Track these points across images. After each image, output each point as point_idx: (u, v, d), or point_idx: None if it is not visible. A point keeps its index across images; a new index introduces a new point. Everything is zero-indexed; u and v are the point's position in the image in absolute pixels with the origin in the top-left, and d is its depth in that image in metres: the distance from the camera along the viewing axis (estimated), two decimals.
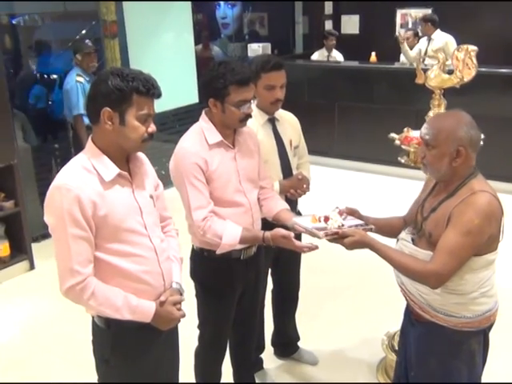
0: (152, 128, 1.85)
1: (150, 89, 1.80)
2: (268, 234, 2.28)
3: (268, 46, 7.76)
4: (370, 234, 2.15)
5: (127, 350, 1.95)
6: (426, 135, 2.02)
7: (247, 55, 7.59)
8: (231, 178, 2.38)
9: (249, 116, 2.34)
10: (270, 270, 3.08)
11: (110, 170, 1.83)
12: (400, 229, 2.29)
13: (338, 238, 2.08)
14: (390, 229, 2.33)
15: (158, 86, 1.84)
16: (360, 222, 2.21)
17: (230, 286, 2.49)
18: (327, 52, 7.69)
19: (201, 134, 2.33)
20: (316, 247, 2.17)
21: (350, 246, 2.06)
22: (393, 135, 3.13)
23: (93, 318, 1.98)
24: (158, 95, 1.85)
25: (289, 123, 2.89)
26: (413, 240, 2.16)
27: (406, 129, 3.12)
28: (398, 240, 2.24)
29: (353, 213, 2.28)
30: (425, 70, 3.04)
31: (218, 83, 2.25)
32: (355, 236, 2.06)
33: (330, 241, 2.09)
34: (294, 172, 2.88)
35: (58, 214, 1.74)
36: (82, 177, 1.78)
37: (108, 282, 1.84)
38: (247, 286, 2.60)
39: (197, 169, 2.29)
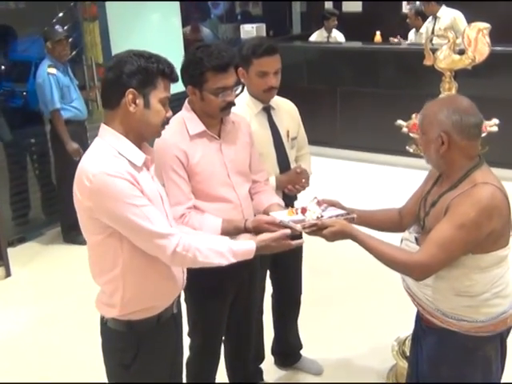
0: (170, 112, 1.94)
1: (173, 71, 1.90)
2: (250, 221, 2.28)
3: (262, 26, 7.76)
4: (359, 227, 2.18)
5: (154, 350, 2.06)
6: (418, 121, 2.09)
7: (240, 37, 7.59)
8: (217, 171, 2.39)
9: (231, 104, 2.34)
10: (268, 272, 3.10)
11: (138, 154, 1.91)
12: (393, 222, 2.32)
13: (316, 229, 2.10)
14: (377, 222, 2.35)
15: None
16: (341, 211, 2.23)
17: (221, 286, 2.50)
18: (327, 33, 7.69)
19: (182, 124, 2.34)
20: (300, 241, 2.18)
21: (331, 238, 2.08)
22: (400, 122, 3.16)
23: (106, 323, 2.06)
24: (178, 79, 1.96)
25: (286, 112, 2.89)
26: (417, 239, 2.17)
27: (414, 115, 3.12)
28: (402, 241, 2.25)
29: (333, 204, 2.29)
30: (434, 51, 3.05)
31: (195, 69, 2.26)
32: (335, 226, 2.07)
33: (308, 234, 2.11)
34: (293, 165, 2.89)
35: (118, 198, 1.84)
36: (116, 163, 1.86)
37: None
38: (240, 287, 2.60)
39: (176, 161, 2.30)
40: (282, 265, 3.07)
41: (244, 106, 2.70)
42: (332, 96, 7.11)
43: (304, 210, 2.17)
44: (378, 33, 8.01)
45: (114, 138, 1.90)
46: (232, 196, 2.43)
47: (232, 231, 2.31)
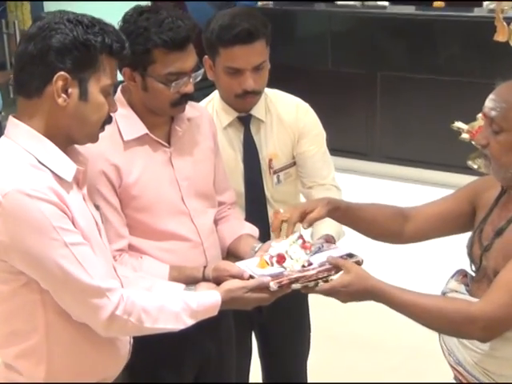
0: (115, 106, 1.96)
1: (124, 48, 1.90)
2: (210, 269, 2.24)
3: None
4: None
5: None
6: (492, 111, 2.03)
7: None
8: (165, 193, 2.33)
9: (188, 97, 2.30)
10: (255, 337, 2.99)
11: (67, 165, 1.89)
12: (394, 222, 2.31)
13: (311, 282, 2.04)
14: (370, 219, 2.31)
15: None
16: (341, 251, 2.17)
17: (176, 357, 2.42)
18: None
19: (112, 126, 2.18)
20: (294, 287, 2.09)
21: (345, 298, 2.00)
22: (459, 125, 3.23)
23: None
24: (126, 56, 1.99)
25: (283, 124, 2.75)
26: (468, 289, 2.16)
27: (479, 115, 3.13)
28: (443, 294, 2.23)
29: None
30: (509, 22, 3.15)
31: (137, 44, 2.16)
32: (349, 276, 2.00)
33: (305, 291, 2.07)
34: (275, 206, 2.71)
35: (39, 230, 1.89)
36: (35, 177, 1.84)
37: None
38: (205, 364, 2.52)
39: (102, 181, 2.22)
40: (275, 329, 2.91)
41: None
42: (369, 85, 6.52)
43: (281, 258, 2.10)
44: None
45: (32, 140, 1.85)
46: (188, 230, 2.36)
47: (184, 282, 2.24)
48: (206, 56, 2.58)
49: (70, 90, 1.82)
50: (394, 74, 6.59)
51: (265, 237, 2.61)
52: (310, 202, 2.23)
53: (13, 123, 1.89)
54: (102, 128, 1.95)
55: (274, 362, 3.04)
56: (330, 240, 2.32)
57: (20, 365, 1.95)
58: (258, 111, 2.70)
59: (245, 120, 2.70)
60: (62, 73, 1.79)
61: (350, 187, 5.23)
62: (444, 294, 2.22)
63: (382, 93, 6.63)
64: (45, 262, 1.80)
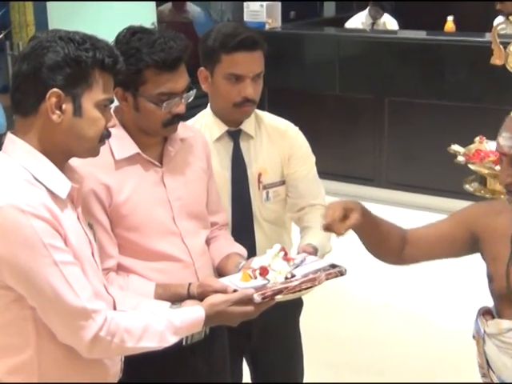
0: (113, 121, 1.98)
1: (117, 62, 1.91)
2: (195, 286, 2.25)
3: (277, 4, 7.16)
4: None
5: None
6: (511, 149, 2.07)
7: (243, 19, 7.09)
8: (157, 213, 2.33)
9: (179, 117, 2.31)
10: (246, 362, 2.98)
11: (62, 182, 1.91)
12: (396, 241, 2.30)
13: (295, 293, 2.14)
14: (380, 234, 2.30)
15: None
16: (323, 263, 2.20)
17: (164, 377, 2.37)
18: (372, 18, 7.49)
19: (105, 145, 2.18)
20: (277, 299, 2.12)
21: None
22: (455, 148, 3.26)
23: None
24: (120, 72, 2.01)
25: (273, 141, 2.78)
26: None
27: (477, 138, 3.27)
28: (488, 337, 2.18)
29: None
30: (505, 45, 3.15)
31: (128, 64, 2.14)
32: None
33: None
34: (264, 229, 2.76)
35: (30, 246, 1.90)
36: (30, 193, 1.85)
37: None
38: (196, 380, 2.48)
39: (92, 200, 2.24)
40: (265, 355, 2.92)
41: (198, 128, 2.70)
42: (377, 110, 6.56)
43: (264, 271, 2.13)
44: (449, 18, 7.58)
45: (28, 156, 1.87)
46: (179, 250, 2.35)
47: (169, 299, 2.24)
48: (202, 68, 2.60)
49: (63, 107, 1.83)
50: (402, 100, 6.60)
51: (251, 254, 2.62)
52: (347, 202, 2.20)
53: (10, 139, 1.90)
54: (102, 142, 1.95)
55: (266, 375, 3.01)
56: (311, 252, 2.33)
57: (11, 380, 1.95)
58: (247, 126, 2.72)
59: (234, 134, 2.72)
60: (55, 89, 1.81)
61: None
62: (489, 335, 2.19)
63: (389, 118, 6.65)
64: (33, 278, 1.79)
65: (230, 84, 2.58)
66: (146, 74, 2.23)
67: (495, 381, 2.23)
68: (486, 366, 2.20)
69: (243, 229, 2.76)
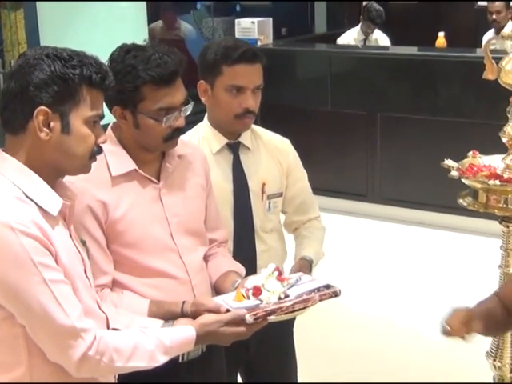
0: (103, 137, 1.96)
1: (105, 78, 1.90)
2: (188, 304, 2.23)
3: (269, 21, 7.15)
4: None
5: None
6: None
7: (235, 36, 7.04)
8: (154, 230, 2.32)
9: (179, 131, 2.31)
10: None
11: (53, 198, 1.89)
12: (501, 316, 2.21)
13: (288, 314, 2.10)
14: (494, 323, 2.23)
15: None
16: (318, 283, 2.19)
17: None
18: (364, 34, 7.40)
19: (101, 161, 2.21)
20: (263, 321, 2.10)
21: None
22: (448, 162, 3.22)
23: None
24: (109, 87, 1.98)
25: (270, 155, 2.80)
26: None
27: (470, 153, 3.23)
28: None
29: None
30: (497, 60, 3.07)
31: (125, 82, 2.20)
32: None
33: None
34: (263, 239, 2.77)
35: (20, 264, 1.88)
36: (21, 210, 1.83)
37: None
38: None
39: (88, 217, 2.23)
40: (260, 367, 2.89)
41: (196, 141, 2.69)
42: (369, 126, 6.56)
43: (257, 291, 2.12)
44: (441, 34, 7.59)
45: (19, 174, 1.86)
46: (176, 267, 2.34)
47: (163, 317, 2.24)
48: (202, 81, 2.60)
49: (51, 124, 1.83)
50: (395, 115, 6.62)
51: (252, 267, 2.66)
52: (465, 312, 2.25)
53: (1, 157, 1.89)
54: (93, 158, 1.94)
55: None
56: (306, 270, 2.36)
57: None
58: (245, 139, 2.71)
59: (234, 147, 2.71)
60: (42, 107, 1.81)
61: (349, 229, 5.26)
62: None
63: (382, 134, 6.65)
64: (22, 296, 1.78)
65: (231, 96, 2.59)
66: (144, 91, 2.23)
67: None
68: None
69: (245, 239, 2.75)
